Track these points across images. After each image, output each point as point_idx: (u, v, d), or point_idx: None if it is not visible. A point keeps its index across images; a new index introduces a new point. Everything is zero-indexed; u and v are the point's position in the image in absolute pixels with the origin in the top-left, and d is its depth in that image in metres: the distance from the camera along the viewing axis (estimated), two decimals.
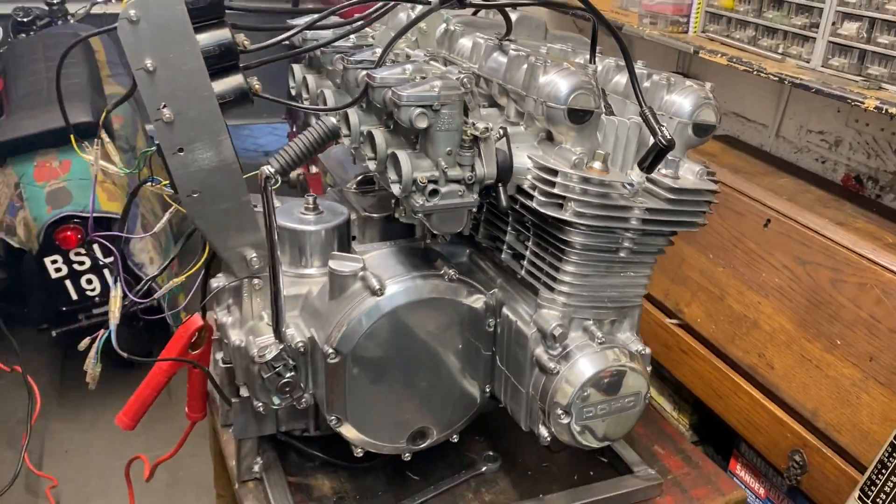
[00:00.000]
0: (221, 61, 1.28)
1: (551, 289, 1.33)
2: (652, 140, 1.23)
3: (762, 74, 2.04)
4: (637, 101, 1.27)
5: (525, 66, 1.30)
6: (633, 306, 1.39)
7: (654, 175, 1.30)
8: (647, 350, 1.42)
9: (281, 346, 1.35)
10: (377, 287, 1.34)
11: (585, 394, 1.32)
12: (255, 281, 1.44)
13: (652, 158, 1.25)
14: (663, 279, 2.45)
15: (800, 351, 2.01)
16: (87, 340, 1.48)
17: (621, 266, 1.34)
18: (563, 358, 1.34)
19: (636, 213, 1.28)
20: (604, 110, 1.26)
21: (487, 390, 1.50)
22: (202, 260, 1.44)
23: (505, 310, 1.42)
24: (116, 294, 1.43)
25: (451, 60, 1.56)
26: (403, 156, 1.23)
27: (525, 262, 1.39)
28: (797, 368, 2.01)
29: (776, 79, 2.01)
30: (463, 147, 1.24)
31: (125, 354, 1.47)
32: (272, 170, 1.22)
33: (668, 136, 1.23)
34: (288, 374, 1.37)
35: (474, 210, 1.29)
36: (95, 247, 2.93)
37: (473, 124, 1.24)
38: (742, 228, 2.22)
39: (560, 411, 1.32)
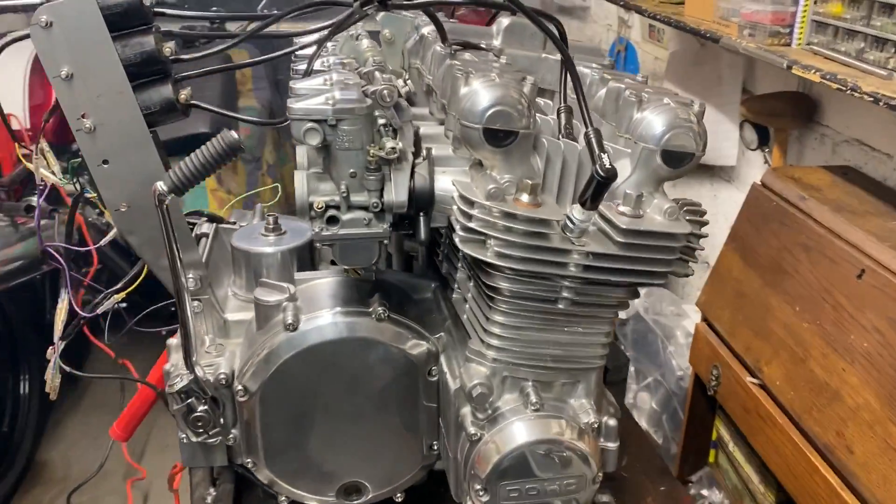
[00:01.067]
0: (145, 70, 1.21)
1: (481, 340, 1.13)
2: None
3: (856, 94, 1.67)
4: (582, 120, 1.04)
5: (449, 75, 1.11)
6: (588, 368, 1.15)
7: (608, 213, 1.07)
8: (613, 422, 1.17)
9: (191, 377, 1.25)
10: (290, 321, 1.20)
11: (506, 469, 1.10)
12: (195, 304, 1.35)
13: (591, 192, 1.02)
14: (746, 330, 2.11)
15: (884, 435, 1.62)
16: (49, 350, 1.46)
17: (565, 319, 1.11)
18: (490, 422, 1.13)
19: (575, 258, 1.05)
20: (530, 130, 1.04)
21: (435, 446, 1.31)
22: (140, 279, 1.37)
23: (441, 358, 1.23)
24: (62, 307, 1.40)
25: (422, 72, 1.39)
26: (300, 176, 1.09)
27: (466, 306, 1.19)
28: (880, 457, 1.62)
29: (871, 99, 1.64)
30: (369, 170, 1.07)
31: (68, 369, 1.44)
32: (165, 187, 1.12)
33: (608, 165, 0.99)
34: (201, 409, 1.26)
35: (386, 242, 1.12)
36: None
37: (380, 144, 1.07)
38: (833, 278, 1.85)
39: (478, 486, 1.11)
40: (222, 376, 1.26)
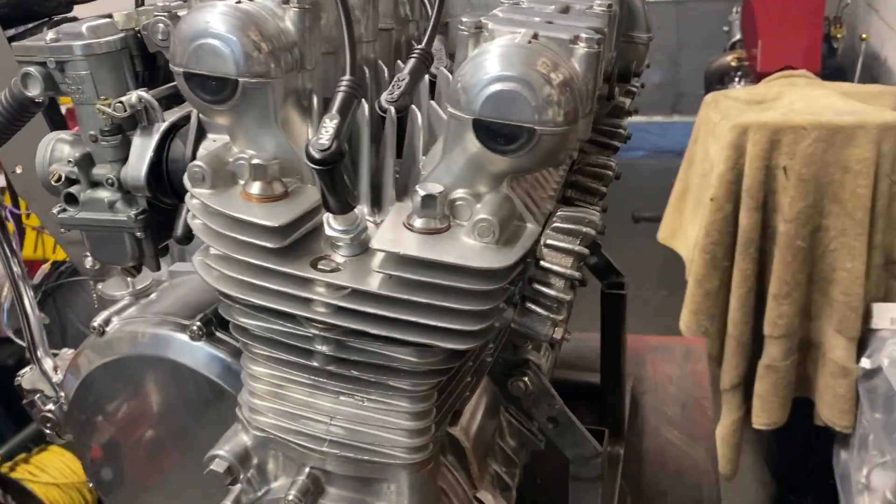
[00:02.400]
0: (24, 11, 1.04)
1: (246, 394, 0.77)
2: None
3: None
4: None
5: None
6: (391, 464, 0.72)
7: (390, 224, 0.64)
8: None
9: (35, 371, 1.06)
10: (96, 325, 0.95)
11: None
12: (99, 286, 1.17)
13: (320, 186, 0.61)
14: None
15: None
16: None
17: (337, 384, 0.70)
18: None
19: (320, 294, 0.64)
20: (264, 79, 0.65)
21: None
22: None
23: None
24: None
25: None
26: (48, 139, 0.82)
27: None
28: None
29: None
30: (103, 132, 0.77)
31: None
32: None
33: (323, 142, 0.58)
34: (46, 408, 1.07)
35: (140, 235, 0.81)
36: None
37: (119, 98, 0.76)
38: None
39: None
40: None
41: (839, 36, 3.48)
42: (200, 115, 0.77)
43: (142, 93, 0.76)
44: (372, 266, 0.63)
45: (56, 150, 0.81)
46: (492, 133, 0.60)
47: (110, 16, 0.81)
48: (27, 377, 1.08)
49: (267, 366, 0.72)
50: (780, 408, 2.44)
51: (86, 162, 0.79)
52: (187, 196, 0.69)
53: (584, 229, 0.65)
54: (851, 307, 2.26)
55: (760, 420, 2.45)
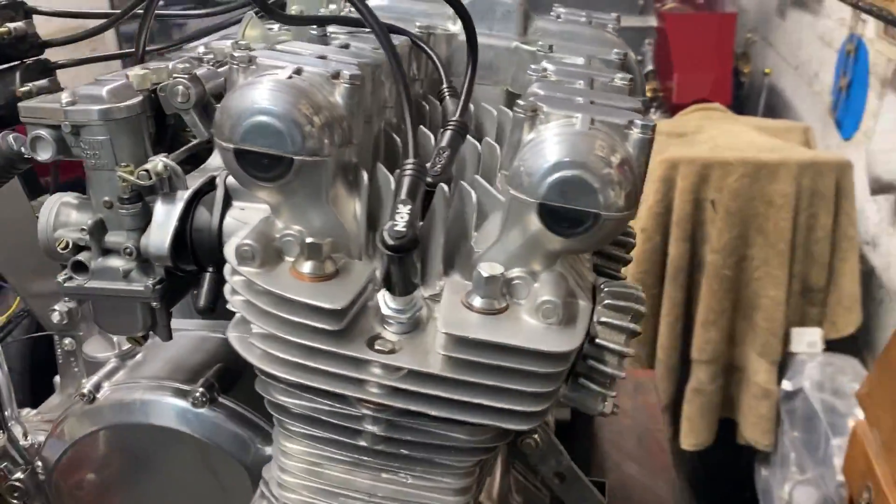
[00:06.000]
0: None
1: (277, 467, 0.75)
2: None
3: None
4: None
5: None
6: None
7: (451, 304, 0.64)
8: None
9: (3, 439, 1.00)
10: (85, 391, 0.90)
11: None
12: (66, 341, 1.10)
13: (386, 270, 0.60)
14: None
15: None
16: None
17: (381, 462, 0.69)
18: None
19: (376, 375, 0.63)
20: (320, 157, 0.64)
21: None
22: (9, 311, 1.15)
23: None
24: None
25: None
26: (51, 202, 0.78)
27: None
28: None
29: None
30: (122, 200, 0.74)
31: None
32: None
33: (400, 228, 0.57)
34: (14, 476, 1.01)
35: (155, 305, 0.77)
36: None
37: (137, 163, 0.73)
38: None
39: None
40: (39, 442, 1.00)
41: (746, 70, 3.68)
42: (227, 183, 0.74)
43: (166, 160, 0.72)
44: (434, 347, 0.63)
45: (61, 215, 0.77)
46: (557, 217, 0.61)
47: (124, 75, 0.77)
48: None
49: (303, 443, 0.71)
50: (707, 429, 2.55)
51: (98, 229, 0.75)
52: (226, 271, 0.66)
53: (635, 306, 0.66)
54: (773, 332, 2.40)
55: (688, 441, 2.56)
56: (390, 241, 0.57)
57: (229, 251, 0.65)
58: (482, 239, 0.67)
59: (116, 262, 0.75)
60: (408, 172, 0.62)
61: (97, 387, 0.91)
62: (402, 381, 0.63)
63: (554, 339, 0.61)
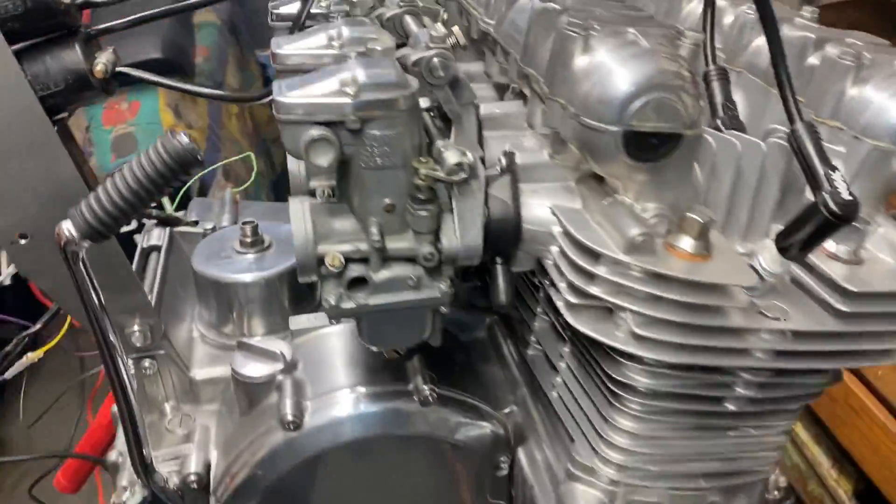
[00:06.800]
0: (34, 24, 0.75)
1: (594, 449, 0.72)
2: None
3: None
4: (784, 105, 0.60)
5: (554, 33, 0.66)
6: (752, 482, 0.75)
7: (812, 258, 0.64)
8: None
9: (146, 494, 0.84)
10: (290, 418, 0.78)
11: None
12: (146, 363, 0.93)
13: (808, 234, 0.59)
14: None
15: None
16: None
17: (730, 422, 0.70)
18: None
19: (764, 341, 0.63)
20: (698, 130, 0.60)
21: None
22: (61, 333, 0.94)
23: (520, 453, 0.83)
24: None
25: (467, 6, 0.91)
26: (298, 209, 0.64)
27: (558, 380, 0.78)
28: None
29: None
30: (417, 200, 0.63)
31: None
32: (74, 232, 0.67)
33: (844, 197, 0.56)
34: None
35: (444, 310, 0.69)
36: None
37: (436, 156, 0.63)
38: None
39: None
40: (192, 479, 0.86)
41: None
42: (521, 162, 0.67)
43: (462, 152, 0.63)
44: (827, 303, 0.63)
45: (320, 225, 0.64)
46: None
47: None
48: (131, 499, 0.85)
49: (648, 421, 0.69)
50: None
51: (382, 237, 0.64)
52: (604, 264, 0.61)
53: None
54: None
55: None
56: (836, 208, 0.56)
57: (614, 244, 0.60)
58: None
59: (405, 271, 0.65)
60: (805, 136, 0.60)
61: (300, 409, 0.79)
62: (793, 343, 0.64)
63: None
